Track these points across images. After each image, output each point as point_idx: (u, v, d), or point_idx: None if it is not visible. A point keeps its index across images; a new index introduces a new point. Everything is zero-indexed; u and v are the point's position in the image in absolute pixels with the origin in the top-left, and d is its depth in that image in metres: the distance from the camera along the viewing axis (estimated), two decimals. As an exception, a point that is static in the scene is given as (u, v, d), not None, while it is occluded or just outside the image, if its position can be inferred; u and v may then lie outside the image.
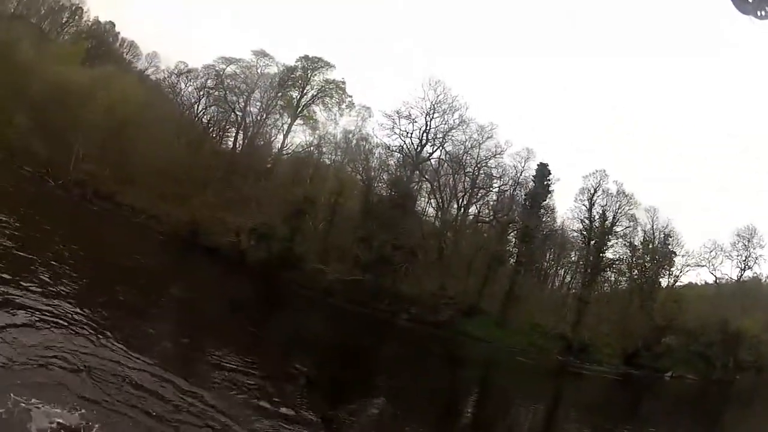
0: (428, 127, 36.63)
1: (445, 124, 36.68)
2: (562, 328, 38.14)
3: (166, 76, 45.32)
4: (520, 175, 38.80)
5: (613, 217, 43.42)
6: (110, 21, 53.36)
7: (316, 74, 40.41)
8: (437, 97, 36.63)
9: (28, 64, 44.95)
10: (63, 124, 40.94)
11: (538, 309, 39.62)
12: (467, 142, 37.04)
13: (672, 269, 42.55)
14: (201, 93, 40.79)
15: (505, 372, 32.01)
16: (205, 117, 41.21)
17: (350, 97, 41.79)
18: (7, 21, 53.03)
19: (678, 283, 43.06)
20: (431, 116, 36.39)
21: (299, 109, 40.16)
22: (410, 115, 36.99)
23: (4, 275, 12.38)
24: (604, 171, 43.71)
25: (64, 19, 50.73)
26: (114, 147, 37.96)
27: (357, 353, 22.18)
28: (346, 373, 17.70)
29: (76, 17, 50.43)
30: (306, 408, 12.53)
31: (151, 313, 15.84)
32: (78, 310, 12.34)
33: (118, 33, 53.82)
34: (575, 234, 43.53)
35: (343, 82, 41.54)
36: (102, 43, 49.84)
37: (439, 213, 37.46)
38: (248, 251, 34.02)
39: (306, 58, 40.65)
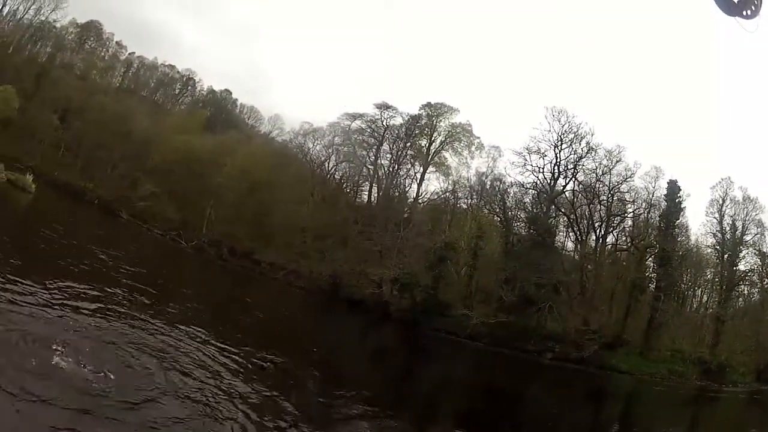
0: (558, 160, 36.19)
1: (574, 153, 36.06)
2: (700, 352, 36.95)
3: (291, 137, 47.23)
4: (652, 196, 37.49)
5: (743, 226, 41.88)
6: (226, 89, 56.82)
7: (441, 120, 40.94)
8: (562, 127, 36.27)
9: (148, 134, 48.57)
10: (192, 188, 43.48)
11: (678, 334, 38.82)
12: (597, 170, 36.10)
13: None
14: (330, 150, 42.48)
15: (645, 403, 31.03)
16: (336, 173, 42.90)
17: (478, 138, 41.90)
18: (114, 94, 57.83)
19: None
20: (560, 148, 35.97)
21: (430, 157, 40.67)
22: (539, 149, 36.69)
23: (160, 326, 12.91)
24: (729, 178, 41.99)
25: (177, 90, 54.57)
26: (247, 208, 39.87)
27: (501, 394, 22.01)
28: (491, 413, 17.74)
29: (189, 88, 54.06)
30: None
31: (297, 364, 15.96)
32: (228, 354, 12.79)
33: (236, 99, 57.16)
34: (709, 250, 41.81)
35: (469, 125, 41.72)
36: (221, 111, 52.98)
37: (578, 246, 36.70)
38: (391, 301, 34.72)
39: (429, 105, 41.32)
